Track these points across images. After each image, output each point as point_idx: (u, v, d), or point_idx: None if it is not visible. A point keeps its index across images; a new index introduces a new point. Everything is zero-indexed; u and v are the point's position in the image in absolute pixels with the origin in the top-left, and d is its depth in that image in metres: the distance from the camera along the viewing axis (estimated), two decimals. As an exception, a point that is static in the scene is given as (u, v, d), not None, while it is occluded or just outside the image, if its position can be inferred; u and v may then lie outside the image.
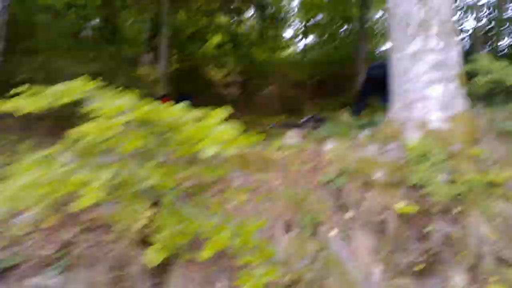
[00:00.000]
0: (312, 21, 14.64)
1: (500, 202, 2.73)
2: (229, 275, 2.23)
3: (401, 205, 2.62)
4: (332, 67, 13.51)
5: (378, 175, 3.00)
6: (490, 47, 12.75)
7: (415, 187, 2.92)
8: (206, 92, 11.16)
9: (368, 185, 2.93)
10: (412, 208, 2.59)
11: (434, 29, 3.28)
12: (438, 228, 2.59)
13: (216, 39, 9.88)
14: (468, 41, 13.33)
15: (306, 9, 13.11)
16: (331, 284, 2.21)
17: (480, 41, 11.79)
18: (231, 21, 9.80)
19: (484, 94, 3.86)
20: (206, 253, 1.77)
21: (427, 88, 3.31)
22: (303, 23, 14.74)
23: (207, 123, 1.67)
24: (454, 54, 3.34)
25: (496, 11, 12.90)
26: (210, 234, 1.95)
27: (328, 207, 2.76)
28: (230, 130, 1.63)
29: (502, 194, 2.78)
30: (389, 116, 3.69)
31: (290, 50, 17.15)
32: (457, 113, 3.30)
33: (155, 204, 2.46)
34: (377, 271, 2.32)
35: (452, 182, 2.86)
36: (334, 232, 2.50)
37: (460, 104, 3.35)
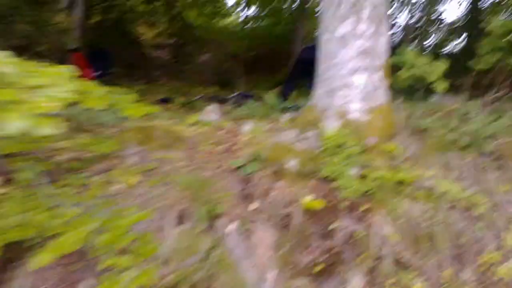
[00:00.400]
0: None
1: (407, 202, 2.69)
2: (97, 273, 1.82)
3: (308, 199, 2.43)
4: (271, 44, 13.20)
5: (291, 164, 2.78)
6: (418, 44, 13.54)
7: (326, 179, 2.77)
8: (131, 50, 10.11)
9: (279, 174, 2.69)
10: (319, 203, 2.41)
11: (366, 12, 3.08)
12: (343, 225, 2.46)
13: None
14: (399, 36, 14.00)
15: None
16: (220, 286, 1.94)
17: (410, 37, 12.39)
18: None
19: (405, 89, 3.85)
20: (45, 257, 1.34)
21: (351, 76, 3.14)
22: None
23: (30, 82, 1.19)
24: (383, 42, 3.20)
25: (426, 9, 13.64)
26: (64, 228, 1.52)
27: (232, 196, 2.46)
28: (63, 96, 1.17)
29: (409, 194, 2.75)
30: (312, 101, 3.48)
31: (231, 19, 16.39)
32: (377, 105, 3.19)
33: (8, 181, 1.93)
34: (273, 271, 2.10)
35: (363, 177, 2.76)
36: (233, 226, 2.22)
37: (382, 96, 3.25)
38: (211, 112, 3.96)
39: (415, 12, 13.43)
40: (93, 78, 7.26)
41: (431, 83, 3.56)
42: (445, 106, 4.32)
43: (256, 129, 3.38)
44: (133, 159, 2.63)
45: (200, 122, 3.74)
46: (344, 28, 3.13)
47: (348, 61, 3.14)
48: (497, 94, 3.99)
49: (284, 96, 6.42)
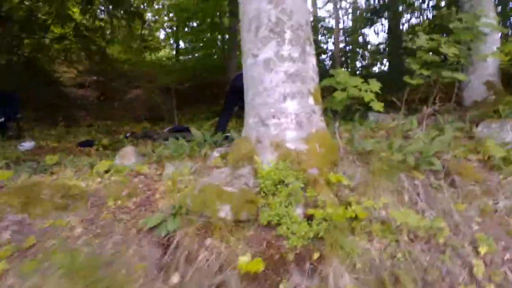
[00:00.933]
0: (185, 26, 13.77)
1: (363, 240, 2.29)
2: None
3: (245, 259, 1.91)
4: (206, 74, 12.88)
5: (223, 212, 2.26)
6: (347, 68, 14.12)
7: (267, 226, 2.28)
8: (49, 91, 9.09)
9: (208, 228, 2.15)
10: (259, 264, 1.90)
11: (288, 34, 2.78)
12: (293, 284, 1.97)
13: (58, 29, 7.94)
14: (329, 61, 14.53)
15: (175, 11, 12.15)
16: None
17: (338, 62, 12.85)
18: (81, 11, 8.01)
19: (342, 111, 3.59)
20: None
21: (282, 102, 2.78)
22: (175, 26, 13.77)
23: None
24: (310, 65, 2.92)
25: (351, 36, 14.39)
26: None
27: (145, 270, 1.86)
28: None
29: (364, 230, 2.36)
30: (244, 132, 3.05)
31: (163, 53, 15.94)
32: (314, 132, 2.84)
33: None
34: None
35: (310, 218, 2.32)
36: (145, 315, 1.61)
37: (318, 121, 2.92)
38: (129, 155, 3.34)
39: (341, 38, 14.08)
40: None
41: (367, 103, 3.32)
42: (384, 125, 4.16)
43: (181, 172, 2.83)
44: (4, 236, 1.92)
45: (114, 168, 3.10)
46: (267, 51, 2.81)
47: (276, 86, 2.78)
48: (433, 108, 3.91)
49: (220, 127, 5.98)
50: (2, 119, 6.30)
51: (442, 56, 3.82)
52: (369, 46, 13.86)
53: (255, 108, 2.91)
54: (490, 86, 4.11)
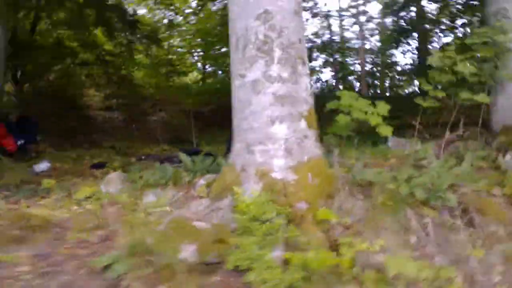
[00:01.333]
0: (211, 50, 14.02)
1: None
2: None
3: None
4: (229, 96, 12.89)
5: (187, 252, 1.99)
6: (375, 90, 13.62)
7: (236, 271, 1.97)
8: (74, 114, 9.40)
9: (166, 271, 1.88)
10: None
11: (277, 53, 2.55)
12: None
13: (83, 56, 8.29)
14: (357, 83, 14.11)
15: (202, 35, 12.40)
16: None
17: (365, 83, 12.41)
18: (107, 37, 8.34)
19: (347, 135, 3.26)
20: None
21: (270, 126, 2.52)
22: (203, 51, 14.04)
23: None
24: (302, 86, 2.65)
25: (379, 56, 13.94)
26: None
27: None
28: None
29: (352, 279, 1.99)
30: (230, 159, 2.80)
31: (191, 76, 16.26)
32: (306, 160, 2.53)
33: None
34: None
35: (287, 262, 1.99)
36: None
37: (311, 148, 2.62)
38: (115, 181, 3.18)
39: (368, 59, 13.68)
40: (15, 148, 6.48)
41: (373, 127, 2.97)
42: (399, 152, 3.75)
43: (158, 201, 2.61)
44: None
45: (96, 195, 2.95)
46: (254, 72, 2.59)
47: (264, 109, 2.54)
48: (455, 134, 3.47)
49: (230, 151, 5.76)
50: (22, 141, 6.54)
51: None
52: (397, 67, 13.32)
53: (242, 133, 2.68)
54: (521, 109, 3.60)
